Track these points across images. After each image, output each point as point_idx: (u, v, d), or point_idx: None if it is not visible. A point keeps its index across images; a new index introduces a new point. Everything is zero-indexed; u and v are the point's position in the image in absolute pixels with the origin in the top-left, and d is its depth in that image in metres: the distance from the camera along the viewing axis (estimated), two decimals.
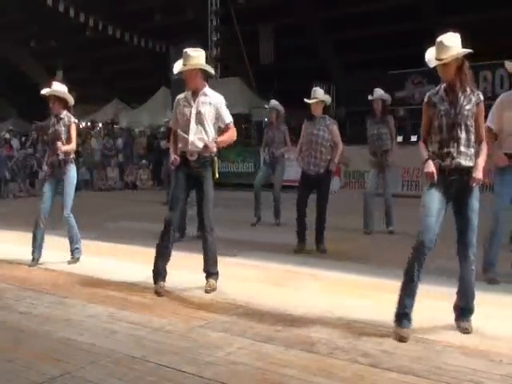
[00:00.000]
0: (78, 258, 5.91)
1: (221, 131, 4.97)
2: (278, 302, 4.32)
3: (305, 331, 3.63)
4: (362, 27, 18.08)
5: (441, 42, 3.49)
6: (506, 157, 4.76)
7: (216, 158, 4.81)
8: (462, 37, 3.53)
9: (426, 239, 3.45)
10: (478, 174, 3.51)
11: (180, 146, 4.80)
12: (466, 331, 3.52)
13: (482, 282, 4.68)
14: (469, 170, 3.52)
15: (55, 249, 6.20)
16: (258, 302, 4.33)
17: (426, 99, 3.69)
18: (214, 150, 4.73)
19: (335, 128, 6.43)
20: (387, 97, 7.71)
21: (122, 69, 24.89)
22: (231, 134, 4.91)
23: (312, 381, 2.88)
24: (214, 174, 4.82)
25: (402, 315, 3.48)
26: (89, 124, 23.18)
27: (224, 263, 5.76)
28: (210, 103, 4.77)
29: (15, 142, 19.07)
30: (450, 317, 3.71)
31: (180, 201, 4.81)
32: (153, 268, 4.72)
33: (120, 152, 19.15)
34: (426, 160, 3.59)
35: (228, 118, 4.86)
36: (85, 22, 19.41)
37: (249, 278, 5.18)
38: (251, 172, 14.90)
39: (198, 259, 5.48)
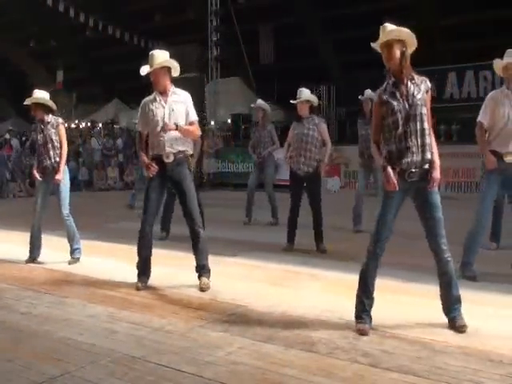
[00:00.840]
0: (78, 259, 5.91)
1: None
2: (278, 301, 4.32)
3: (305, 331, 3.63)
4: (362, 27, 18.04)
5: (383, 26, 3.49)
6: (496, 157, 4.78)
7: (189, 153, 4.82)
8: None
9: (379, 250, 3.60)
10: (436, 173, 3.49)
11: (153, 149, 4.76)
12: (463, 329, 3.52)
13: (482, 282, 4.69)
14: (427, 169, 3.48)
15: (55, 249, 6.21)
16: (258, 301, 4.33)
17: (376, 99, 3.63)
18: (171, 128, 4.65)
19: (324, 127, 6.44)
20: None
21: (121, 69, 24.87)
22: (195, 129, 4.85)
23: (312, 381, 2.88)
24: (189, 169, 4.82)
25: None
26: (89, 124, 23.19)
27: (224, 263, 5.78)
28: (181, 101, 4.77)
29: (15, 142, 19.07)
30: None
31: (155, 203, 4.83)
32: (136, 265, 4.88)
33: (120, 152, 19.16)
34: (385, 167, 3.50)
35: (194, 116, 4.86)
36: (85, 22, 19.40)
37: (249, 278, 5.18)
38: (251, 172, 14.89)
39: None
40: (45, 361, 3.18)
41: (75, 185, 15.94)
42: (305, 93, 6.39)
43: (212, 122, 18.72)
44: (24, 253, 5.89)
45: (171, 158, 4.68)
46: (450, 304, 3.61)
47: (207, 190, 16.24)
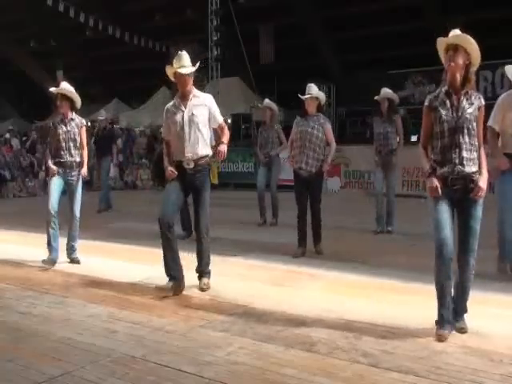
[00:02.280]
0: (77, 257, 5.90)
1: (215, 132, 4.94)
2: (278, 301, 4.31)
3: (305, 331, 3.63)
4: (362, 27, 18.08)
5: (455, 31, 3.46)
6: (508, 158, 4.78)
7: (213, 163, 4.80)
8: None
9: (446, 251, 3.40)
10: (483, 183, 3.44)
11: (176, 155, 4.69)
12: (463, 330, 3.51)
13: (482, 282, 4.68)
14: (472, 178, 3.45)
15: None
16: (258, 301, 4.32)
17: (426, 103, 3.59)
18: (222, 158, 4.69)
19: (329, 127, 6.25)
20: (393, 95, 7.62)
21: (122, 69, 24.90)
22: (227, 134, 4.84)
23: (312, 381, 2.88)
24: (212, 179, 4.84)
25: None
26: (89, 124, 23.18)
27: (224, 263, 5.78)
28: (204, 104, 4.68)
29: (15, 142, 19.07)
30: None
31: (172, 205, 4.70)
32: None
33: (120, 152, 19.15)
34: (429, 174, 3.51)
35: (220, 118, 4.80)
36: (85, 22, 19.40)
37: (249, 278, 5.18)
38: (251, 172, 14.90)
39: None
40: (45, 361, 3.19)
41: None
42: (314, 89, 6.21)
43: None
44: (24, 253, 5.89)
45: (192, 165, 4.62)
46: (456, 311, 3.58)
47: None
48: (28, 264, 5.80)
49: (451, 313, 3.50)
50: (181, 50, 4.70)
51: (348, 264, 5.65)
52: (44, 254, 5.86)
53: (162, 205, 4.71)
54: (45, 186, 16.70)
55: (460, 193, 3.47)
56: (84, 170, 5.92)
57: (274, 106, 8.83)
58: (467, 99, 3.46)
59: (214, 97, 5.16)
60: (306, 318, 3.89)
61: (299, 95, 6.28)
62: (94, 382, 2.90)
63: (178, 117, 4.62)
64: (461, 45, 3.39)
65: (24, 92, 26.19)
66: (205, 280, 4.76)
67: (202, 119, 4.63)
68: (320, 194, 6.29)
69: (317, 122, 6.11)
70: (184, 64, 4.58)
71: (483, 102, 3.52)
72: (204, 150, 4.68)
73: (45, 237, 5.79)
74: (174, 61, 4.61)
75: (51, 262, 5.67)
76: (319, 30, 20.28)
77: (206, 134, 4.68)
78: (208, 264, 4.85)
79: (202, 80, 19.24)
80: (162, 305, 4.33)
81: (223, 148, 4.67)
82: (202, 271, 4.82)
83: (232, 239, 7.26)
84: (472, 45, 3.40)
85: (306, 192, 6.16)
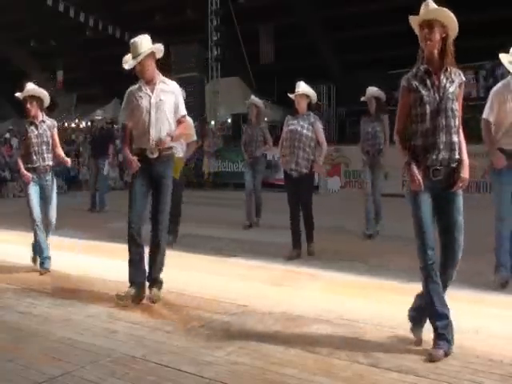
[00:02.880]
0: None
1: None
2: (277, 301, 4.31)
3: (305, 331, 3.63)
4: (362, 27, 18.06)
5: (427, 1, 3.17)
6: (504, 155, 4.51)
7: (178, 158, 4.43)
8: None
9: (429, 255, 3.16)
10: (465, 173, 3.21)
11: (137, 143, 4.37)
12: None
13: (482, 283, 4.68)
14: (455, 166, 3.21)
15: (55, 249, 6.20)
16: (259, 301, 4.32)
17: (404, 83, 3.27)
18: (166, 145, 4.32)
19: (320, 126, 6.07)
20: (380, 94, 7.33)
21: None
22: (185, 128, 4.58)
23: (312, 381, 2.88)
24: (174, 173, 4.50)
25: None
26: (89, 124, 23.18)
27: (224, 263, 5.78)
28: (172, 92, 4.40)
29: (15, 142, 19.07)
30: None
31: (141, 203, 4.36)
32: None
33: (120, 152, 19.14)
34: (409, 164, 3.19)
35: (183, 110, 4.49)
36: (85, 21, 19.40)
37: (249, 278, 5.18)
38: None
39: (199, 259, 5.49)
40: (45, 361, 3.19)
41: (79, 185, 15.98)
42: (302, 86, 6.01)
43: (212, 122, 18.72)
44: (24, 253, 5.88)
45: (156, 154, 4.30)
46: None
47: (207, 189, 16.25)
48: (28, 264, 5.79)
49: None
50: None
51: (348, 264, 5.65)
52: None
53: (129, 207, 4.38)
54: None
55: (442, 183, 3.21)
56: (64, 158, 5.69)
57: (259, 103, 8.63)
58: (447, 77, 3.19)
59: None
60: (306, 318, 3.89)
61: (289, 94, 6.10)
62: (94, 382, 2.90)
63: (145, 101, 4.32)
64: (436, 19, 3.14)
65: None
66: (155, 291, 4.37)
67: (169, 107, 4.37)
68: (311, 195, 6.12)
69: (307, 121, 5.95)
70: (139, 51, 4.29)
71: (463, 78, 3.27)
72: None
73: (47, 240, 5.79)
74: (131, 50, 4.37)
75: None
76: (319, 29, 20.27)
77: (173, 122, 4.40)
78: (161, 270, 4.43)
79: (201, 80, 19.28)
80: (162, 305, 4.32)
81: (167, 139, 4.29)
82: (155, 279, 4.41)
83: (232, 239, 7.27)
84: (447, 17, 3.15)
85: (297, 193, 6.01)
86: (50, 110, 5.82)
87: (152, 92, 4.34)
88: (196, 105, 19.69)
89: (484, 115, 4.61)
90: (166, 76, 4.54)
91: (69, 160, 5.89)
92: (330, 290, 4.71)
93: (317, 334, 3.57)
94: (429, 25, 3.15)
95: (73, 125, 23.00)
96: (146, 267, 4.43)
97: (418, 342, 3.34)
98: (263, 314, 4.02)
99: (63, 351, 3.33)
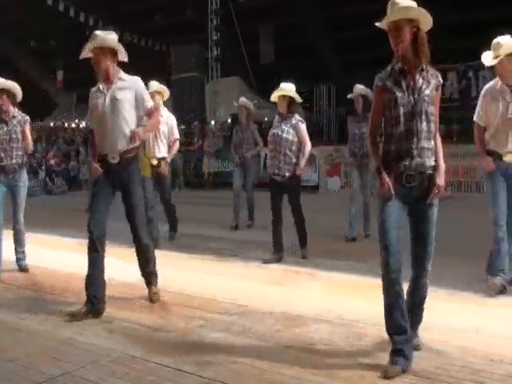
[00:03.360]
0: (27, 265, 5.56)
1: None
2: (277, 301, 4.31)
3: (305, 331, 3.63)
4: (362, 27, 18.04)
5: (392, 1, 2.96)
6: (495, 156, 4.38)
7: (142, 154, 4.16)
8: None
9: (391, 266, 3.03)
10: (441, 180, 3.00)
11: (99, 148, 4.13)
12: (417, 348, 3.16)
13: (482, 282, 4.68)
14: (430, 173, 3.00)
15: (55, 249, 6.20)
16: (258, 301, 4.32)
17: (379, 82, 3.07)
18: (137, 142, 4.11)
19: (302, 127, 5.82)
20: (367, 92, 6.79)
21: (121, 69, 24.84)
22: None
23: (312, 381, 2.88)
24: (143, 171, 4.33)
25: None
26: (89, 124, 23.19)
27: (224, 263, 5.78)
28: (129, 88, 4.10)
29: None
30: (449, 317, 3.71)
31: (104, 214, 4.12)
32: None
33: None
34: (380, 170, 3.01)
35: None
36: (85, 21, 19.41)
37: (249, 278, 5.18)
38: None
39: (199, 259, 5.49)
40: (45, 361, 3.18)
41: (79, 185, 15.98)
42: (282, 86, 5.82)
43: (212, 122, 18.73)
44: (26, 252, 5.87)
45: (117, 159, 4.04)
46: (411, 325, 3.11)
47: (207, 189, 16.26)
48: (28, 264, 5.79)
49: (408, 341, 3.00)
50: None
51: (347, 264, 5.65)
52: (44, 254, 5.88)
53: (90, 213, 4.18)
54: (45, 186, 16.78)
55: (415, 192, 3.01)
56: (28, 149, 5.44)
57: (249, 104, 8.57)
58: (423, 78, 2.98)
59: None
60: (306, 318, 3.89)
61: (271, 98, 5.96)
62: (94, 382, 2.90)
63: (100, 102, 4.07)
64: (403, 18, 2.94)
65: (24, 92, 26.12)
66: (153, 289, 4.37)
67: (126, 104, 4.05)
68: (298, 198, 5.92)
69: (288, 124, 5.78)
70: (95, 43, 4.01)
71: (441, 81, 3.06)
72: (131, 142, 4.08)
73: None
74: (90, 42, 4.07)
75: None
76: (319, 29, 20.29)
77: (132, 121, 4.09)
78: (149, 268, 4.37)
79: (201, 80, 19.29)
80: (162, 305, 4.33)
81: (138, 130, 4.05)
82: (147, 278, 4.39)
83: (232, 239, 7.27)
84: (413, 10, 2.94)
85: (279, 196, 5.90)
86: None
87: (107, 91, 4.10)
88: (196, 105, 19.73)
89: (474, 117, 4.54)
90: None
91: (30, 147, 5.51)
92: (330, 290, 4.71)
93: (317, 333, 3.57)
94: (396, 26, 2.96)
95: (73, 125, 23.01)
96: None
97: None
98: (263, 313, 4.02)
99: (63, 351, 3.33)
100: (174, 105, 19.74)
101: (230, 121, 18.98)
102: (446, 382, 2.82)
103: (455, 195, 12.12)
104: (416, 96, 2.97)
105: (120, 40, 4.18)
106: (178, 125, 7.51)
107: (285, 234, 6.06)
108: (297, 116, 5.88)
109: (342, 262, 5.72)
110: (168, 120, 6.78)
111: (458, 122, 15.08)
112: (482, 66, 4.82)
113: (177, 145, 6.98)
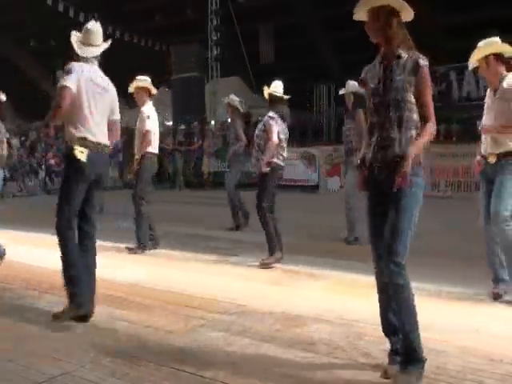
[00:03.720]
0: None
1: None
2: (277, 301, 4.31)
3: (305, 331, 3.63)
4: (362, 27, 18.10)
5: None
6: (482, 158, 4.30)
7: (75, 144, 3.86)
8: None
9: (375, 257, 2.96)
10: (406, 165, 2.69)
11: None
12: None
13: (482, 283, 4.68)
14: (395, 164, 2.76)
15: (54, 248, 6.19)
16: (258, 301, 4.32)
17: (361, 75, 3.03)
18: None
19: (269, 123, 5.72)
20: (358, 88, 6.57)
21: (122, 69, 24.89)
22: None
23: (312, 380, 2.88)
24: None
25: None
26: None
27: (224, 263, 5.78)
28: None
29: (15, 142, 19.08)
30: (449, 317, 3.71)
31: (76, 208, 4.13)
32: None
33: (120, 152, 19.15)
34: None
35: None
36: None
37: (249, 278, 5.18)
38: (251, 172, 14.92)
39: (199, 259, 5.47)
40: (45, 361, 3.18)
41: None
42: (273, 85, 5.93)
43: (212, 122, 18.73)
44: (24, 253, 5.89)
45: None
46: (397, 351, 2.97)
47: (207, 189, 16.26)
48: (28, 264, 5.79)
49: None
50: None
51: (347, 263, 5.65)
52: (43, 254, 5.87)
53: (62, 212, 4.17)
54: (45, 186, 16.79)
55: (385, 184, 2.82)
56: None
57: (233, 101, 8.44)
58: (398, 65, 2.82)
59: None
60: (306, 318, 3.89)
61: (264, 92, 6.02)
62: (94, 382, 2.90)
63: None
64: (373, 6, 2.84)
65: (24, 92, 26.18)
66: None
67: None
68: (261, 196, 5.69)
69: (262, 121, 5.91)
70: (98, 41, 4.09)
71: (423, 62, 2.79)
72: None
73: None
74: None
75: None
76: (319, 29, 20.32)
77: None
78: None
79: (201, 80, 19.28)
80: (162, 305, 4.32)
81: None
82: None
83: (232, 239, 7.27)
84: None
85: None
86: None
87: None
88: (196, 105, 19.72)
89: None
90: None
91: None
92: (330, 290, 4.71)
93: (317, 334, 3.57)
94: (368, 16, 2.88)
95: None
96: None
97: None
98: (263, 313, 4.02)
99: (63, 351, 3.33)
100: (174, 105, 19.78)
101: (229, 121, 19.01)
102: (446, 381, 2.82)
103: (455, 195, 12.13)
104: (387, 84, 2.83)
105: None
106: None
107: (285, 235, 6.05)
108: (270, 113, 5.84)
109: (342, 262, 5.73)
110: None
111: (457, 122, 15.06)
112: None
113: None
